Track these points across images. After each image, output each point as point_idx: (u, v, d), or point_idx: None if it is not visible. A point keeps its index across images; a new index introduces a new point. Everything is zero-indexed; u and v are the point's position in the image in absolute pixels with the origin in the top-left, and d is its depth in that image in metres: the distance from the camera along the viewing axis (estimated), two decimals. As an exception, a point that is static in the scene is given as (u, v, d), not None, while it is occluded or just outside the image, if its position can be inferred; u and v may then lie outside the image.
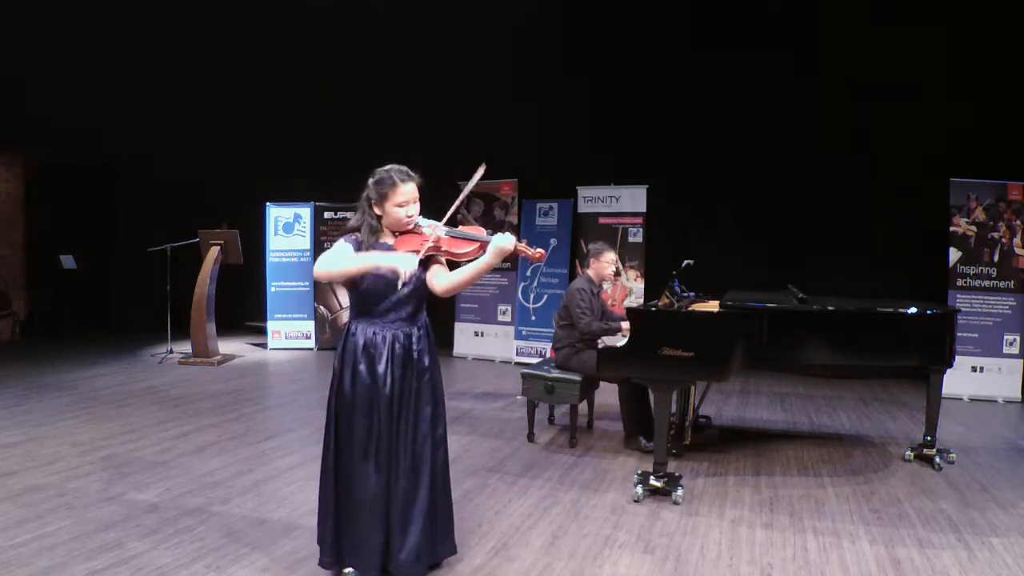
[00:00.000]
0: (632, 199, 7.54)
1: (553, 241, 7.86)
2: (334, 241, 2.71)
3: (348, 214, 8.04)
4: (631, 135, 7.70)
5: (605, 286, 5.49)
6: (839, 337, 4.11)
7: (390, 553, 2.65)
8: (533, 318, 7.90)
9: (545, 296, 7.84)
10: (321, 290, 8.77)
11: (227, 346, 8.44)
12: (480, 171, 2.68)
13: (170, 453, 4.42)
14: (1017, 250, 6.44)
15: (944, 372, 4.40)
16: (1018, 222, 6.43)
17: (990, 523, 3.51)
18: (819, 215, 7.05)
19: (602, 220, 7.67)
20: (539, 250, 2.63)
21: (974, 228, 6.51)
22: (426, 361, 2.73)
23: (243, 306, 9.79)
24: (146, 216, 9.49)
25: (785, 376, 7.28)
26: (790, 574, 2.95)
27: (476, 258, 2.62)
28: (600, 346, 4.55)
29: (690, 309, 4.28)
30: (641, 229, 7.51)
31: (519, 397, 5.64)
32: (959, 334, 5.18)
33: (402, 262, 2.50)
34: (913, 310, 4.19)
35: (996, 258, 6.48)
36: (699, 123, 7.46)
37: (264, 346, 8.72)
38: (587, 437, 4.97)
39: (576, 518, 3.50)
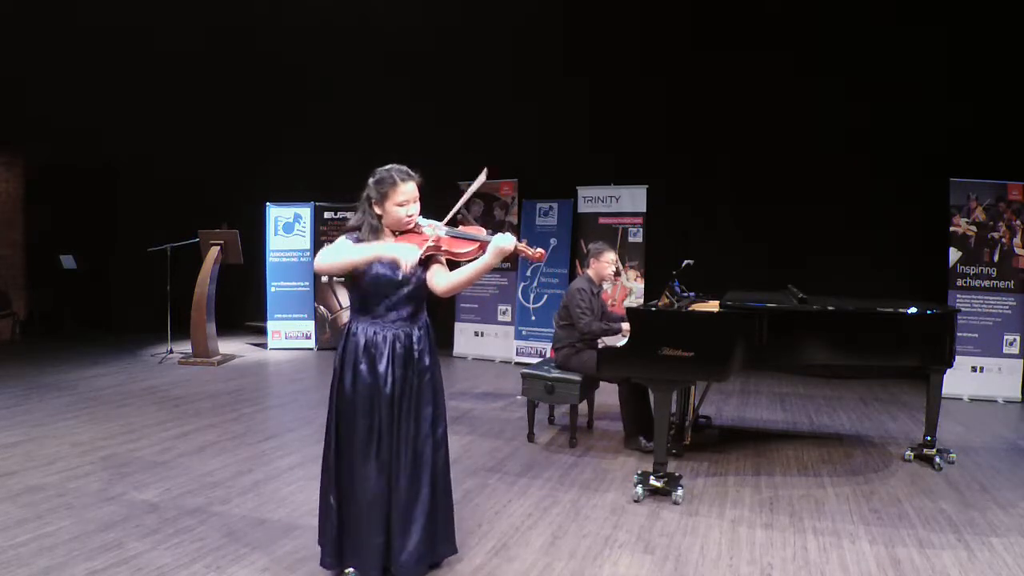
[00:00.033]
0: (632, 199, 7.54)
1: (553, 241, 7.86)
2: (334, 241, 2.72)
3: (348, 214, 8.04)
4: (631, 135, 7.70)
5: (605, 286, 5.49)
6: (839, 337, 4.11)
7: (391, 553, 2.65)
8: (533, 318, 7.90)
9: (545, 296, 7.84)
10: (321, 290, 8.77)
11: (227, 346, 8.44)
12: (482, 177, 2.69)
13: (170, 453, 4.42)
14: (1017, 250, 6.44)
15: (944, 372, 4.40)
16: (1018, 222, 6.43)
17: (990, 523, 3.51)
18: (819, 215, 7.05)
19: (602, 220, 7.67)
20: (539, 250, 2.63)
21: (974, 228, 6.51)
22: (427, 361, 2.73)
23: (243, 306, 9.79)
24: (146, 216, 9.49)
25: (785, 376, 7.28)
26: (790, 574, 2.95)
27: (476, 258, 2.62)
28: (600, 346, 4.55)
29: (690, 309, 4.28)
30: (641, 229, 7.51)
31: (519, 397, 5.64)
32: (959, 334, 5.18)
33: (403, 252, 2.51)
34: (913, 310, 4.19)
35: (996, 258, 6.48)
36: (699, 123, 7.46)
37: (264, 346, 8.72)
38: (587, 437, 4.97)
39: (576, 518, 3.50)
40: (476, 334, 8.27)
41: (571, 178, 7.83)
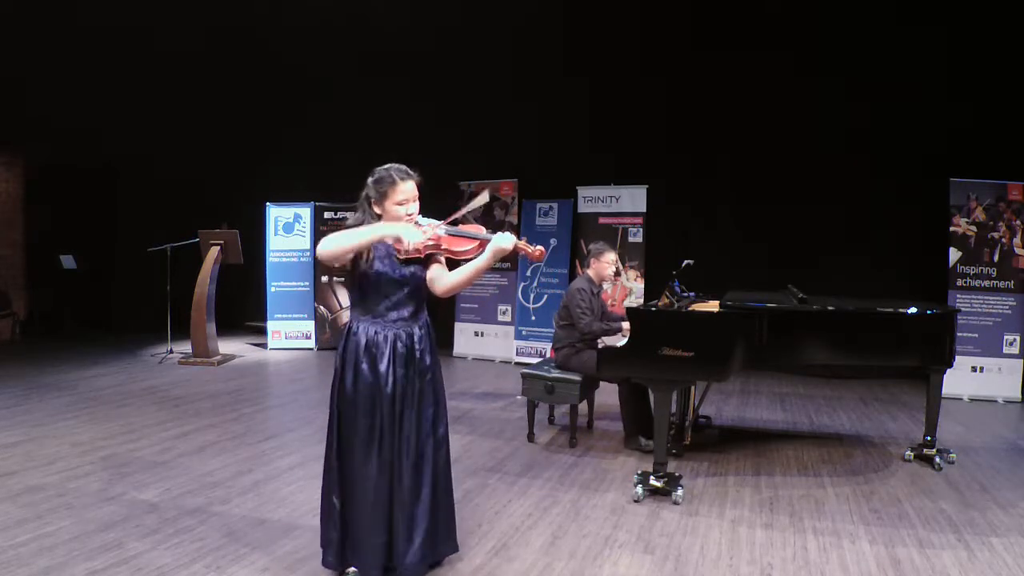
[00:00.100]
0: (632, 199, 7.54)
1: (553, 241, 7.86)
2: None
3: (348, 214, 8.05)
4: (631, 135, 7.70)
5: (605, 286, 5.49)
6: (839, 337, 4.11)
7: (394, 554, 2.65)
8: (533, 318, 7.90)
9: (545, 296, 7.84)
10: (321, 290, 8.77)
11: (227, 346, 8.44)
12: (485, 195, 2.71)
13: (170, 453, 4.42)
14: (1017, 250, 6.44)
15: (944, 372, 4.40)
16: (1018, 222, 6.43)
17: (990, 523, 3.51)
18: (819, 215, 7.05)
19: (602, 220, 7.67)
20: (539, 247, 2.63)
21: (974, 228, 6.51)
22: (428, 360, 2.73)
23: (243, 306, 9.79)
24: (146, 216, 9.49)
25: (785, 376, 7.28)
26: (790, 574, 2.95)
27: (476, 257, 2.62)
28: (600, 346, 4.55)
29: (690, 309, 4.28)
30: (641, 229, 7.51)
31: (519, 397, 5.64)
32: (959, 334, 5.18)
33: (406, 231, 2.51)
34: (913, 310, 4.19)
35: (996, 258, 6.48)
36: (699, 123, 7.45)
37: (264, 346, 8.72)
38: (587, 437, 4.97)
39: (576, 518, 3.50)
40: (476, 334, 8.27)
41: (571, 178, 7.83)
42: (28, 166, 10.06)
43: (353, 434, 2.63)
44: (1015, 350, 6.41)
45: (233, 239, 7.69)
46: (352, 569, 2.67)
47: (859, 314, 4.15)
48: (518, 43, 7.92)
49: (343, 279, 8.54)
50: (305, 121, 9.20)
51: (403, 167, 2.68)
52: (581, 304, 4.63)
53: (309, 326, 8.78)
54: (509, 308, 8.09)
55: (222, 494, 3.73)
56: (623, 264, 7.43)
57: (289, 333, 8.74)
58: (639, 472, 3.91)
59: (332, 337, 8.57)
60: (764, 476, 4.19)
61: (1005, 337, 6.43)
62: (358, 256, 2.63)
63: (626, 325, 4.39)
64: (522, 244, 2.61)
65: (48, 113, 8.82)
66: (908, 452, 4.54)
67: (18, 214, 10.09)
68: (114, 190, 10.12)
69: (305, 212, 8.77)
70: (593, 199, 7.75)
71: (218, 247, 7.64)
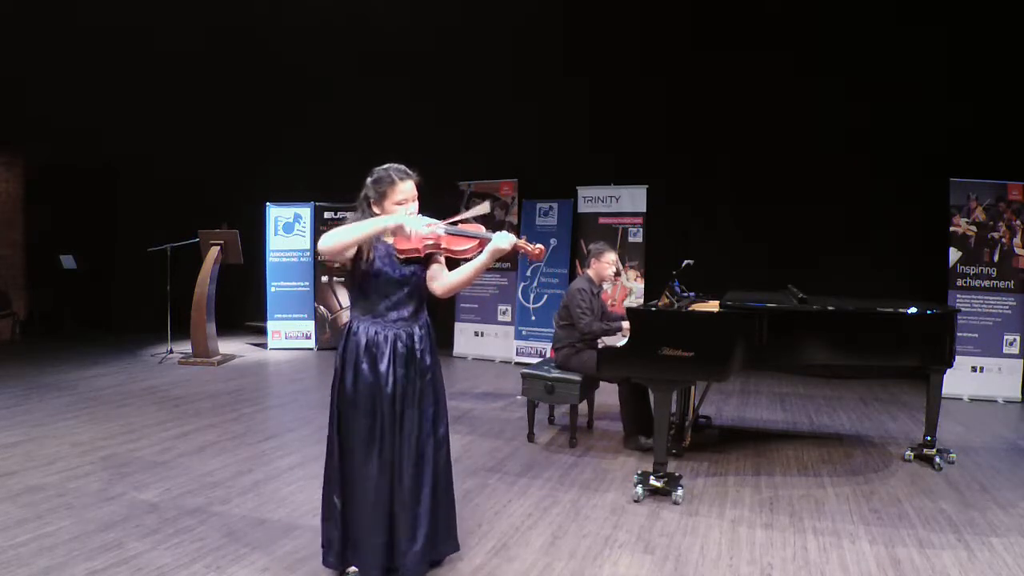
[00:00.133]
0: (632, 199, 7.54)
1: (553, 241, 7.86)
2: None
3: (348, 214, 8.04)
4: (631, 135, 7.70)
5: (605, 286, 5.49)
6: (839, 337, 4.11)
7: (395, 553, 2.65)
8: (533, 318, 7.90)
9: (545, 296, 7.84)
10: (321, 290, 8.77)
11: (227, 346, 8.44)
12: (485, 206, 2.71)
13: (170, 453, 4.42)
14: (1017, 250, 6.44)
15: (944, 372, 4.40)
16: (1018, 222, 6.43)
17: (990, 523, 3.51)
18: (819, 215, 7.05)
19: (602, 220, 7.67)
20: (539, 246, 2.63)
21: (974, 228, 6.51)
22: (428, 360, 2.73)
23: (243, 306, 9.79)
24: (146, 216, 9.50)
25: (785, 376, 7.28)
26: (790, 574, 2.95)
27: (476, 256, 2.63)
28: (600, 346, 4.55)
29: (690, 309, 4.28)
30: (641, 229, 7.51)
31: (519, 397, 5.64)
32: (959, 334, 5.18)
33: (409, 220, 2.51)
34: (913, 310, 4.19)
35: (996, 258, 6.48)
36: (699, 123, 7.45)
37: (264, 346, 8.72)
38: (587, 437, 4.97)
39: (576, 518, 3.50)
40: (476, 334, 8.27)
41: (571, 178, 7.83)
42: (28, 166, 10.06)
43: (353, 434, 2.63)
44: (1015, 350, 6.41)
45: (233, 239, 7.69)
46: (352, 569, 2.67)
47: (859, 314, 4.15)
48: (518, 43, 7.92)
49: (343, 279, 8.54)
50: (305, 121, 9.20)
51: (402, 167, 2.68)
52: (581, 304, 4.63)
53: (309, 326, 8.78)
54: (509, 308, 8.09)
55: (222, 494, 3.73)
56: (623, 264, 7.43)
57: (289, 333, 8.74)
58: (639, 472, 3.91)
59: (332, 337, 8.57)
60: (764, 476, 4.19)
61: (1005, 337, 6.43)
62: (358, 256, 2.63)
63: (626, 325, 4.39)
64: (522, 243, 2.61)
65: (48, 113, 8.83)
66: (908, 452, 4.54)
67: (18, 214, 10.09)
68: (114, 190, 10.12)
69: (305, 212, 8.77)
70: (593, 199, 7.75)
71: (218, 247, 7.64)
